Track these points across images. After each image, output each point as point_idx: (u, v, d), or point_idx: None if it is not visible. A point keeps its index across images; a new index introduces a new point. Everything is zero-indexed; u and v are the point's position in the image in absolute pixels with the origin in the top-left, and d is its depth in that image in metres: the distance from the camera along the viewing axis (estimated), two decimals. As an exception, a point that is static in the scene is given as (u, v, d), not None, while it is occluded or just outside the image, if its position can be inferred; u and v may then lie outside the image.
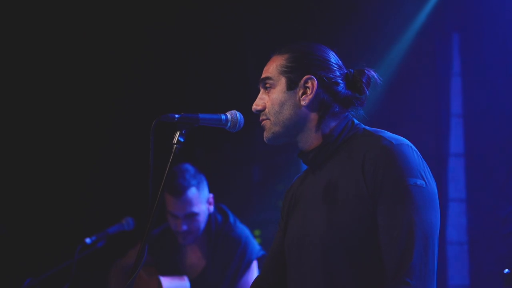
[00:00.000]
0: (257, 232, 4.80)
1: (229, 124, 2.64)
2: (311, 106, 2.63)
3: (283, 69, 2.65)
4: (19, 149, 5.93)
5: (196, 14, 5.94)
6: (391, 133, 2.60)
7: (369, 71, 2.69)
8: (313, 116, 2.64)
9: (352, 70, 2.70)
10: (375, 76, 2.68)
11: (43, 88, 5.94)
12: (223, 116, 2.64)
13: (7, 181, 5.87)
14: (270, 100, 2.65)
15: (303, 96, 2.63)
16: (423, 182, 2.47)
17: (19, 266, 5.65)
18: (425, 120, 5.33)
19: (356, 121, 2.68)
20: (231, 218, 4.43)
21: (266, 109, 2.66)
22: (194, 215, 4.28)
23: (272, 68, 2.67)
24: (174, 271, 4.37)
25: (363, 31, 5.41)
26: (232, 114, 2.65)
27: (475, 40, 5.16)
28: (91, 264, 4.76)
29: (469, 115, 5.23)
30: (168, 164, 2.50)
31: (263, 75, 2.69)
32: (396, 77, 5.36)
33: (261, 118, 2.68)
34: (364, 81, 2.66)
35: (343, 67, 2.70)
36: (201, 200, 4.31)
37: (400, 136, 2.60)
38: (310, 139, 2.65)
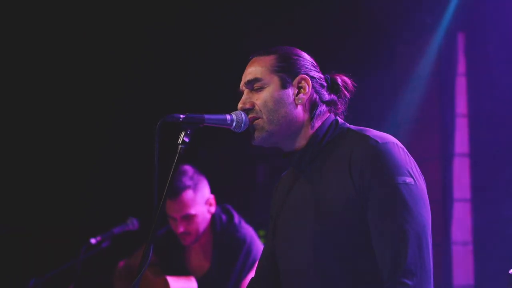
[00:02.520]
0: (261, 233, 4.79)
1: (234, 124, 2.61)
2: (304, 106, 2.62)
3: (274, 68, 2.62)
4: (23, 148, 5.93)
5: (196, 14, 5.92)
6: (376, 131, 2.58)
7: (341, 76, 2.70)
8: (305, 116, 2.63)
9: (328, 76, 2.71)
10: (348, 81, 2.69)
11: (44, 88, 5.93)
12: (228, 116, 2.61)
13: (13, 180, 5.87)
14: (262, 98, 2.60)
15: (298, 95, 2.61)
16: (412, 180, 2.44)
17: (23, 266, 5.66)
18: (430, 120, 5.33)
19: (340, 120, 2.67)
20: (236, 218, 4.41)
21: (257, 107, 2.61)
22: (191, 216, 4.27)
23: (260, 69, 2.63)
24: (179, 272, 4.36)
25: (368, 31, 5.41)
26: (237, 114, 2.61)
27: (479, 40, 5.16)
28: (96, 264, 4.76)
29: (474, 115, 5.23)
30: (174, 164, 2.48)
31: (250, 77, 2.64)
32: (401, 78, 5.36)
33: (251, 116, 2.62)
34: (341, 84, 2.68)
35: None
36: (198, 202, 4.30)
37: (392, 134, 2.60)
38: (298, 140, 2.63)
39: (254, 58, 2.69)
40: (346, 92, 2.69)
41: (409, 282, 2.36)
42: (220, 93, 5.75)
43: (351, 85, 2.70)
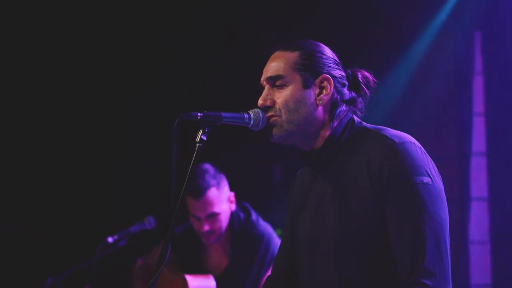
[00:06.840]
0: (278, 232, 4.78)
1: (252, 122, 2.59)
2: (325, 106, 2.60)
3: (297, 66, 2.59)
4: (39, 147, 5.96)
5: (210, 14, 5.93)
6: (393, 130, 2.57)
7: (363, 71, 2.67)
8: (325, 116, 2.61)
9: (349, 71, 2.68)
10: (369, 77, 2.66)
11: (62, 89, 5.96)
12: (245, 115, 2.59)
13: (31, 180, 5.90)
14: (283, 97, 2.57)
15: (320, 96, 2.59)
16: (429, 179, 2.43)
17: (40, 265, 5.68)
18: (447, 119, 5.32)
19: (356, 119, 2.65)
20: (254, 215, 4.42)
21: (277, 105, 2.58)
22: (216, 215, 4.28)
23: (283, 66, 2.60)
24: (197, 270, 4.36)
25: (383, 30, 5.39)
26: (255, 113, 2.60)
27: (497, 38, 5.15)
28: (113, 263, 4.77)
29: (491, 113, 5.21)
30: (191, 163, 2.48)
31: (272, 73, 2.61)
32: (418, 76, 5.34)
33: (270, 114, 2.59)
34: (362, 81, 2.65)
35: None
36: (222, 200, 4.31)
37: (416, 133, 2.59)
38: (317, 139, 2.62)
39: (276, 53, 2.66)
40: (366, 90, 2.66)
41: (428, 283, 2.35)
42: (224, 93, 5.78)
43: (372, 81, 2.67)
